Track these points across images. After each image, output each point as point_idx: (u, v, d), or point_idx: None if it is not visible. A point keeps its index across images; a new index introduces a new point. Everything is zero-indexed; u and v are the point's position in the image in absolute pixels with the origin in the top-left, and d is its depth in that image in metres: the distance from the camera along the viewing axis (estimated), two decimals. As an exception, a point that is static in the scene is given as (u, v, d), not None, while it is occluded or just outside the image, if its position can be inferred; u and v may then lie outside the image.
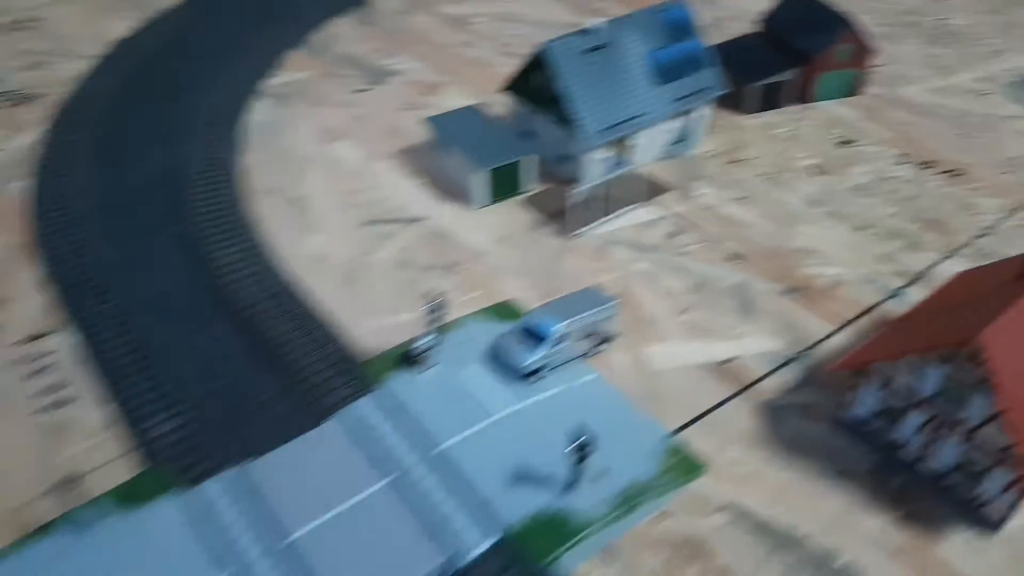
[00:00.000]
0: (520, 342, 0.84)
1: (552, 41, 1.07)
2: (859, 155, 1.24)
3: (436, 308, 0.81)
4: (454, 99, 1.37)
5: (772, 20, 1.41)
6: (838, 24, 1.31)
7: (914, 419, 0.75)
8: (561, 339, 0.84)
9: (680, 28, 1.19)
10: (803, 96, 1.36)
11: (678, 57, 1.20)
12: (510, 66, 1.48)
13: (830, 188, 1.17)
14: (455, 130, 1.15)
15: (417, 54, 1.50)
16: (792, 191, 1.16)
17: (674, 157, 1.22)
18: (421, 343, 0.82)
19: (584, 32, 1.10)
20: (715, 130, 1.28)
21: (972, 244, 1.07)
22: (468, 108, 1.20)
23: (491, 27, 1.61)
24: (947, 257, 1.04)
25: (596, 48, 1.12)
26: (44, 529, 0.71)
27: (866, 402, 0.78)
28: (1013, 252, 1.09)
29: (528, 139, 1.17)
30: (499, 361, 0.85)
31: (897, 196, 1.16)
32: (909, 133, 1.30)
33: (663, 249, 1.04)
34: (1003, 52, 1.53)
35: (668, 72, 1.18)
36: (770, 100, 1.34)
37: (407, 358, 0.84)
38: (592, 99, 1.10)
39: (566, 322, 0.83)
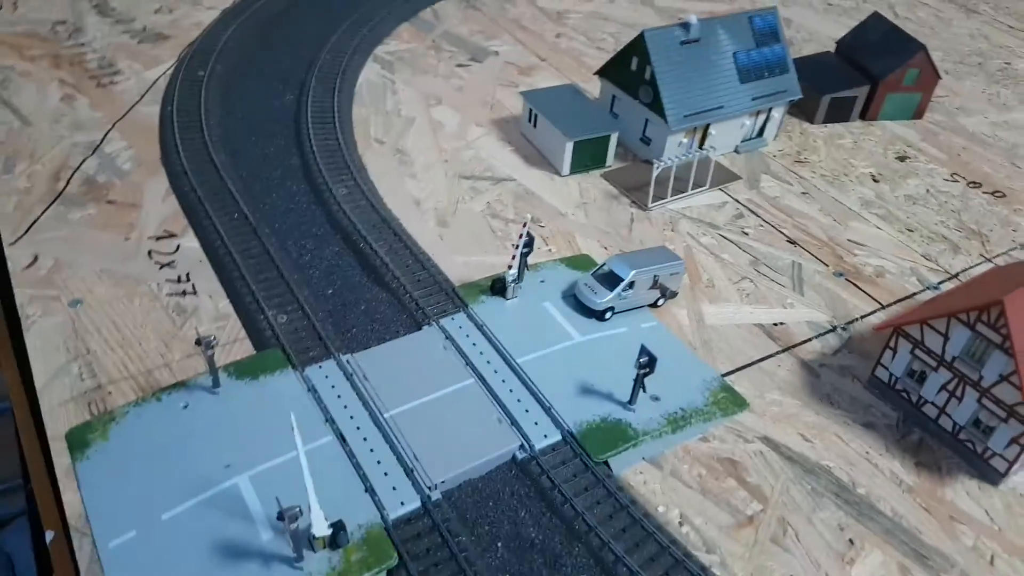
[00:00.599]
0: (595, 284, 0.96)
1: (651, 30, 1.20)
2: (913, 170, 1.34)
3: (526, 245, 0.92)
4: (547, 81, 1.49)
5: (846, 42, 1.51)
6: (911, 47, 1.42)
7: (938, 378, 0.85)
8: (631, 284, 0.96)
9: (767, 34, 1.30)
10: (869, 113, 1.46)
11: (761, 60, 1.31)
12: (599, 58, 1.58)
13: (884, 194, 1.27)
14: (547, 104, 1.27)
15: (515, 39, 1.63)
16: (849, 192, 1.26)
17: (747, 151, 1.33)
18: (510, 274, 0.94)
19: (682, 25, 1.22)
20: (785, 133, 1.39)
21: (1009, 253, 1.16)
22: (561, 86, 1.33)
23: (584, 23, 1.73)
24: (984, 261, 1.13)
25: (689, 41, 1.24)
26: (176, 386, 0.84)
27: (899, 362, 0.88)
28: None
29: (617, 117, 1.29)
30: (575, 300, 0.97)
31: (944, 208, 1.25)
32: (962, 157, 1.39)
33: (727, 228, 1.15)
34: (1061, 96, 1.62)
35: (750, 72, 1.29)
36: (838, 113, 1.44)
37: (496, 286, 0.96)
38: (679, 87, 1.22)
39: (637, 270, 0.95)
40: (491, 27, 1.66)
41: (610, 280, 0.95)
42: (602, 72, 1.30)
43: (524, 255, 0.94)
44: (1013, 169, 1.37)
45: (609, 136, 1.22)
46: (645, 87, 1.22)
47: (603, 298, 0.93)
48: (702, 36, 1.23)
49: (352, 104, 1.36)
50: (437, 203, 1.14)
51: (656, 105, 1.21)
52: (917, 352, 0.86)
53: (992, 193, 1.30)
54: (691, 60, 1.22)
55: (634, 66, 1.23)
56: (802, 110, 1.44)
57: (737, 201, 1.22)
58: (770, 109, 1.31)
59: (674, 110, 1.20)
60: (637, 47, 1.21)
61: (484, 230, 1.10)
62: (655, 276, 0.96)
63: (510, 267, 0.94)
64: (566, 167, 1.22)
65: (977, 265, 1.13)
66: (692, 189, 1.21)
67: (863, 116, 1.46)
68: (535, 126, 1.27)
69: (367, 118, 1.33)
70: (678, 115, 1.20)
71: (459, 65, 1.50)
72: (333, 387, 0.87)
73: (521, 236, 0.92)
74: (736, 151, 1.33)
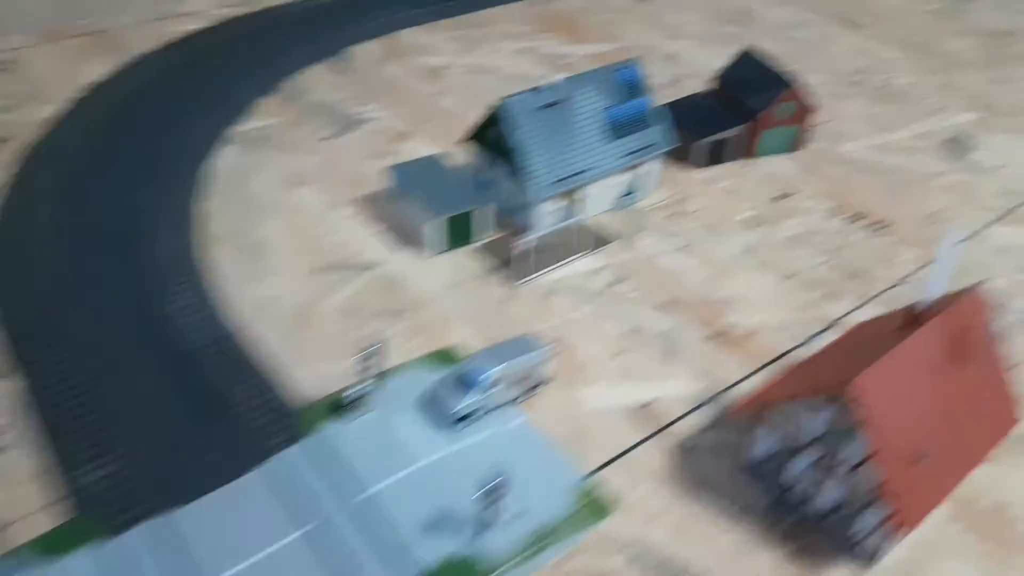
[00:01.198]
0: (452, 388, 0.91)
1: (508, 97, 1.15)
2: (794, 208, 1.32)
3: (371, 355, 0.86)
4: (421, 148, 1.44)
5: (724, 78, 1.49)
6: (780, 83, 1.40)
7: (802, 460, 0.81)
8: (492, 385, 0.91)
9: (632, 87, 1.27)
10: (748, 151, 1.44)
11: (629, 114, 1.27)
12: (476, 115, 1.56)
13: (764, 239, 1.24)
14: (414, 179, 1.22)
15: (388, 103, 1.57)
16: (728, 242, 1.23)
17: (623, 208, 1.30)
18: (354, 391, 0.88)
19: (540, 89, 1.18)
20: (664, 183, 1.36)
21: (887, 292, 1.14)
22: (429, 158, 1.27)
23: (464, 78, 1.68)
24: (862, 305, 1.11)
25: (551, 104, 1.20)
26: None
27: (763, 444, 0.84)
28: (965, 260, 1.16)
29: (486, 188, 1.24)
30: (432, 407, 0.92)
31: (824, 247, 1.23)
32: (843, 187, 1.38)
33: (604, 297, 1.11)
34: (939, 111, 1.62)
35: (619, 128, 1.26)
36: (716, 155, 1.42)
37: (340, 405, 0.90)
38: (545, 153, 1.18)
39: (497, 368, 0.90)
40: (363, 91, 1.60)
41: (466, 383, 0.90)
42: (470, 139, 1.26)
43: (370, 371, 0.88)
44: (892, 196, 1.36)
45: (478, 211, 1.18)
46: (510, 155, 1.18)
47: (459, 404, 0.88)
48: (564, 97, 1.20)
49: (201, 196, 1.29)
50: (292, 304, 1.08)
51: (521, 174, 1.16)
52: (778, 434, 0.83)
53: (873, 225, 1.29)
54: (554, 123, 1.18)
55: (497, 134, 1.18)
56: (682, 155, 1.41)
57: (614, 265, 1.18)
58: (644, 162, 1.28)
59: (540, 178, 1.16)
60: (497, 116, 1.17)
61: (341, 331, 1.04)
62: (519, 371, 0.92)
63: (358, 383, 0.88)
64: (434, 247, 1.17)
65: (855, 310, 1.11)
66: (568, 257, 1.18)
67: (743, 154, 1.44)
68: (401, 203, 1.22)
69: (219, 210, 1.25)
70: (544, 183, 1.16)
71: (325, 138, 1.44)
72: (145, 559, 0.76)
73: (367, 356, 0.86)
74: (614, 209, 1.30)
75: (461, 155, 1.35)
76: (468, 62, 1.74)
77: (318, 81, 1.62)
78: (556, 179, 1.17)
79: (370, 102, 1.56)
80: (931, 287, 0.79)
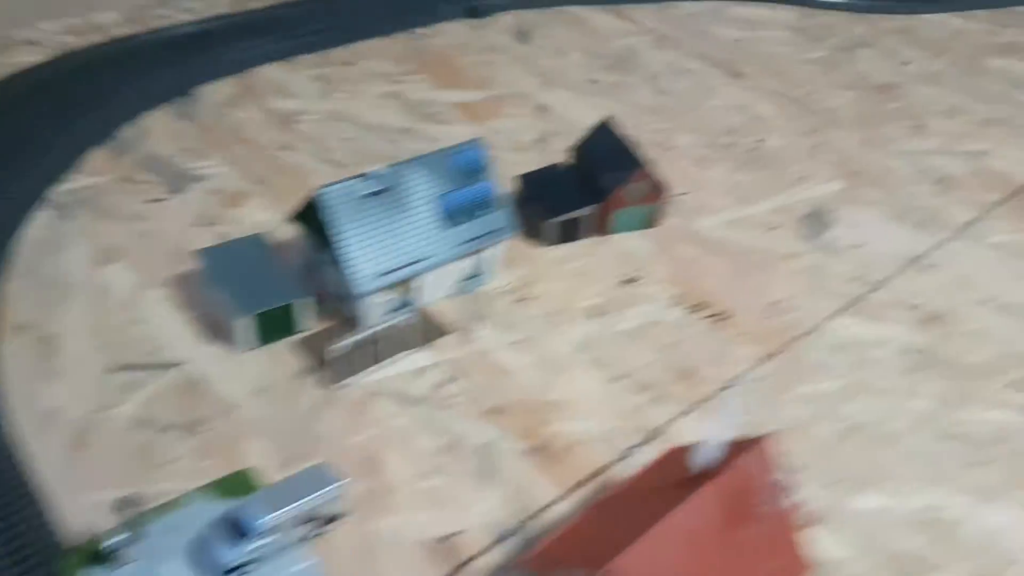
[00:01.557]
0: (224, 535, 0.84)
1: (327, 187, 1.08)
2: (638, 296, 1.28)
3: (129, 504, 0.79)
4: (256, 213, 1.35)
5: (580, 151, 1.45)
6: (632, 164, 1.36)
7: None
8: (272, 530, 0.85)
9: (472, 170, 1.21)
10: (602, 228, 1.40)
11: (468, 200, 1.21)
12: (329, 175, 1.44)
13: (602, 331, 1.20)
14: (228, 264, 1.12)
15: (230, 156, 1.47)
16: (566, 335, 1.19)
17: (466, 293, 1.24)
18: (113, 540, 0.81)
19: (365, 176, 1.11)
20: (514, 262, 1.31)
21: (716, 396, 1.12)
22: (249, 238, 1.18)
23: (318, 127, 1.59)
24: (687, 412, 1.08)
25: (378, 192, 1.13)
26: None
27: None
28: (753, 406, 1.15)
29: (311, 273, 1.17)
30: (202, 556, 0.85)
31: (660, 342, 1.20)
32: (691, 271, 1.35)
33: (428, 402, 1.06)
34: (805, 179, 1.61)
35: (456, 214, 1.20)
36: (569, 233, 1.38)
37: (98, 555, 0.83)
38: (370, 244, 1.11)
39: (277, 513, 0.84)
40: (204, 141, 1.49)
41: (240, 530, 0.83)
42: (295, 220, 1.18)
43: (138, 509, 0.81)
44: (739, 282, 1.33)
45: (296, 303, 1.10)
46: (332, 246, 1.10)
47: (229, 557, 0.82)
48: (393, 184, 1.13)
49: (6, 277, 1.18)
50: (79, 412, 0.99)
51: (344, 266, 1.09)
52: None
53: (714, 316, 1.26)
54: (381, 212, 1.11)
55: (318, 224, 1.11)
56: (534, 233, 1.36)
57: (446, 363, 1.12)
58: (486, 247, 1.23)
59: (363, 271, 1.09)
60: (315, 208, 1.09)
61: (132, 448, 0.96)
62: (303, 512, 0.86)
63: (118, 528, 0.80)
64: (246, 343, 1.09)
65: (679, 417, 1.08)
66: (396, 353, 1.11)
67: (597, 232, 1.40)
68: (212, 292, 1.13)
69: (21, 293, 1.15)
70: (368, 276, 1.10)
71: (152, 200, 1.34)
72: None
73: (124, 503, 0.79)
74: (457, 294, 1.24)
75: (288, 232, 1.27)
76: (325, 108, 1.65)
77: (158, 128, 1.51)
78: (382, 272, 1.11)
79: (210, 155, 1.46)
80: (704, 452, 0.76)
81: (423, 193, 1.15)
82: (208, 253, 1.14)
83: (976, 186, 1.63)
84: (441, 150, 1.19)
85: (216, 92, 1.64)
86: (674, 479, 0.82)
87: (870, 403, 1.15)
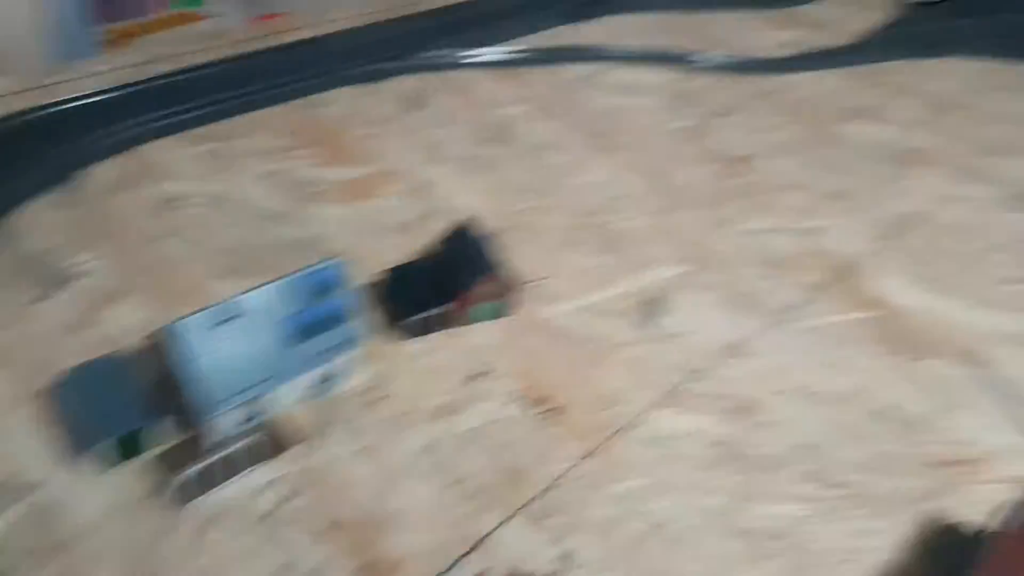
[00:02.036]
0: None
1: (177, 323, 1.19)
2: (482, 392, 1.41)
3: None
4: (131, 314, 1.43)
5: (443, 246, 1.58)
6: (486, 265, 1.50)
7: None
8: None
9: (327, 288, 1.33)
10: (458, 322, 1.53)
11: (319, 316, 1.33)
12: (203, 269, 1.57)
13: (446, 433, 1.33)
14: (83, 388, 1.20)
15: (108, 250, 1.54)
16: (410, 440, 1.32)
17: (319, 398, 1.37)
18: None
19: (215, 307, 1.22)
20: (370, 359, 1.43)
21: (537, 500, 1.27)
22: (106, 358, 1.29)
23: (199, 212, 1.67)
24: (506, 521, 1.23)
25: (228, 320, 1.25)
26: None
27: None
28: (566, 508, 1.30)
29: (167, 390, 1.29)
30: None
31: (495, 442, 1.34)
32: (536, 364, 1.49)
33: (268, 522, 1.16)
34: (651, 263, 1.75)
35: (307, 331, 1.32)
36: (426, 328, 1.51)
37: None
38: (219, 368, 1.22)
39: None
40: (84, 232, 1.58)
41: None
42: (153, 340, 1.28)
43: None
44: (577, 374, 1.48)
45: (149, 426, 1.22)
46: (185, 371, 1.22)
47: None
48: (243, 311, 1.24)
49: None
50: (-59, 538, 1.10)
51: (195, 389, 1.21)
52: None
53: (548, 411, 1.41)
54: (230, 338, 1.23)
55: (171, 351, 1.22)
56: (393, 328, 1.49)
57: (291, 476, 1.25)
58: (336, 358, 1.35)
59: (212, 394, 1.21)
60: (167, 338, 1.20)
61: (-9, 571, 1.07)
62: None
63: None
64: (101, 464, 1.20)
65: (498, 528, 1.22)
66: (244, 469, 1.24)
67: (454, 324, 1.54)
68: (69, 414, 1.24)
69: None
70: (217, 398, 1.21)
71: (29, 303, 1.43)
72: None
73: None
74: (308, 402, 1.37)
75: (144, 350, 1.36)
76: (209, 189, 1.74)
77: (40, 220, 1.59)
78: (233, 392, 1.23)
79: (89, 248, 1.54)
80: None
81: (273, 315, 1.27)
82: (68, 377, 1.24)
83: (805, 268, 1.81)
84: (297, 272, 1.31)
85: (99, 176, 1.72)
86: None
87: (673, 500, 1.31)
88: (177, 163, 1.79)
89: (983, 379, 1.61)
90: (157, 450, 1.24)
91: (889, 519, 1.33)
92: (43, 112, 1.84)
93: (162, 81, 2.01)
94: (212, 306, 1.22)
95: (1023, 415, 1.55)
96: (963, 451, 1.46)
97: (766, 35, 2.68)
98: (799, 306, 1.71)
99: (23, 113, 1.83)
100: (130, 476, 1.21)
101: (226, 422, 1.24)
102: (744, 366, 1.56)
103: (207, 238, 1.62)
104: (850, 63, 2.58)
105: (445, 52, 2.25)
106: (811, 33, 2.74)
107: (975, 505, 1.35)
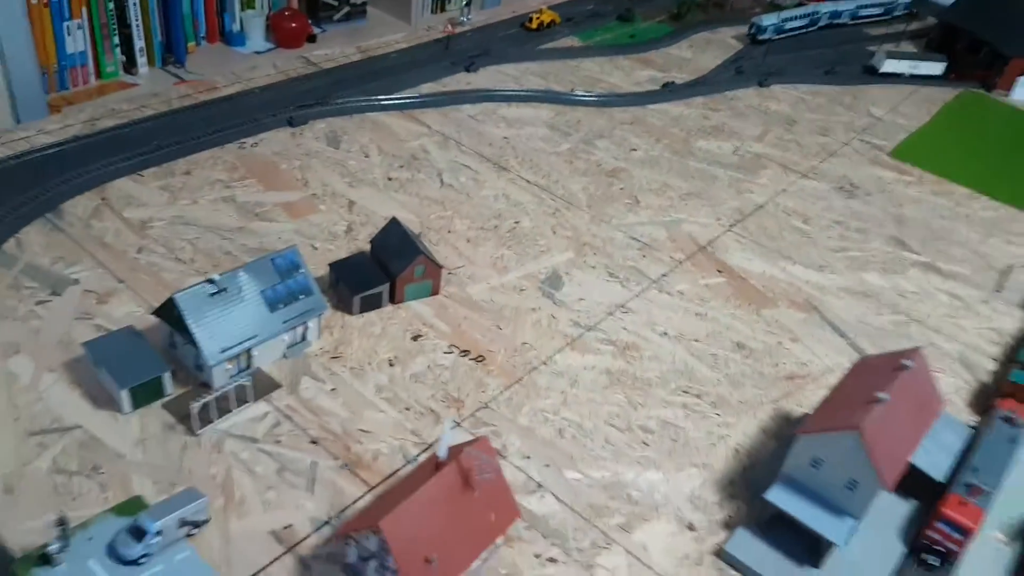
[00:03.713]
0: (127, 539, 1.24)
1: (180, 293, 1.51)
2: (422, 348, 1.78)
3: (62, 522, 1.19)
4: (125, 307, 1.72)
5: (374, 243, 1.94)
6: (414, 250, 1.87)
7: (370, 566, 1.25)
8: (158, 533, 1.26)
9: (290, 268, 1.66)
10: (396, 299, 1.89)
11: (287, 290, 1.66)
12: (177, 271, 1.85)
13: (395, 377, 1.69)
14: (107, 351, 1.52)
15: (96, 261, 1.84)
16: (368, 382, 1.66)
17: (291, 357, 1.69)
18: (52, 547, 1.20)
19: (209, 281, 1.54)
20: (328, 331, 1.77)
21: (475, 415, 1.63)
22: (124, 329, 1.59)
23: (166, 231, 1.97)
24: (456, 426, 1.59)
25: (217, 292, 1.57)
26: None
27: (351, 554, 1.27)
28: (497, 419, 1.66)
29: (172, 351, 1.59)
30: (115, 554, 1.25)
31: (437, 380, 1.70)
32: (462, 327, 1.86)
33: (265, 439, 1.49)
34: (546, 252, 2.17)
35: (278, 302, 1.64)
36: (371, 304, 1.86)
37: (43, 558, 1.21)
38: (213, 329, 1.54)
39: (159, 521, 1.25)
40: (74, 250, 1.87)
41: (139, 534, 1.24)
42: (157, 313, 1.59)
43: (66, 528, 1.20)
44: (495, 332, 1.86)
45: (162, 376, 1.52)
46: (187, 332, 1.53)
47: (135, 551, 1.23)
48: (229, 285, 1.57)
49: (-74, 370, 1.52)
50: (4, 470, 1.37)
51: (196, 347, 1.52)
52: (357, 548, 1.26)
53: (476, 359, 1.78)
54: (221, 305, 1.55)
55: (176, 316, 1.53)
56: (344, 307, 1.83)
57: (277, 410, 1.57)
58: (306, 323, 1.69)
59: (210, 348, 1.52)
60: (172, 306, 1.52)
61: (50, 490, 1.34)
62: (180, 519, 1.28)
63: (54, 540, 1.20)
64: (127, 407, 1.50)
65: (451, 430, 1.57)
66: (239, 407, 1.55)
67: (392, 301, 1.89)
68: (97, 372, 1.53)
69: (-59, 383, 1.50)
70: (214, 351, 1.53)
71: (39, 303, 1.71)
72: None
73: (60, 521, 1.18)
74: (284, 357, 1.69)
75: (150, 320, 1.67)
76: (171, 214, 2.05)
77: (33, 243, 1.87)
78: (225, 348, 1.54)
79: (80, 261, 1.83)
80: (441, 450, 1.26)
81: (252, 289, 1.60)
82: (92, 343, 1.54)
83: (671, 248, 2.26)
84: (265, 256, 1.65)
85: (78, 206, 2.01)
86: (429, 470, 1.31)
87: (578, 410, 1.70)
88: (140, 195, 2.10)
89: (815, 321, 2.08)
90: (171, 396, 1.54)
91: (740, 417, 1.75)
92: (22, 158, 2.12)
93: (115, 132, 2.31)
94: (203, 282, 1.55)
95: (843, 343, 2.02)
96: (796, 370, 1.91)
97: (631, 74, 3.20)
98: (667, 275, 2.15)
99: (6, 160, 2.11)
100: (152, 415, 1.51)
101: (223, 372, 1.55)
102: (627, 319, 1.97)
103: (178, 248, 1.93)
104: (701, 93, 3.12)
105: (354, 100, 2.65)
106: (668, 71, 3.28)
107: (804, 407, 1.79)
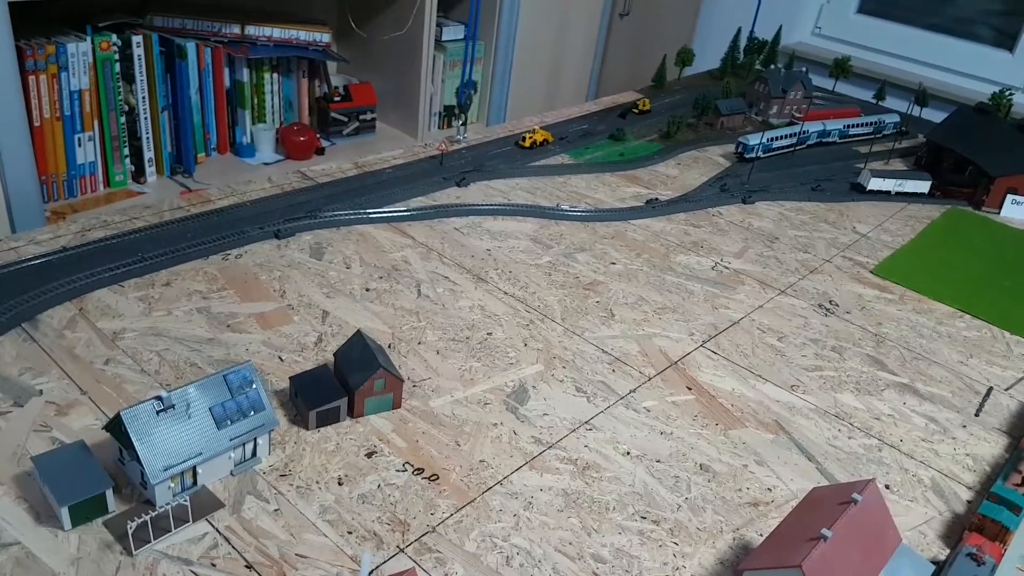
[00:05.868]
0: None
1: (127, 410, 1.53)
2: (376, 465, 1.77)
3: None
4: (83, 419, 1.74)
5: (338, 355, 1.96)
6: (374, 364, 1.88)
7: None
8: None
9: (243, 384, 1.69)
10: (355, 412, 1.90)
11: (237, 406, 1.68)
12: (142, 383, 1.89)
13: (342, 498, 1.67)
14: (54, 466, 1.54)
15: (63, 372, 1.88)
16: (313, 502, 1.65)
17: (239, 473, 1.69)
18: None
19: (158, 398, 1.56)
20: (281, 445, 1.77)
21: (420, 540, 1.60)
22: (74, 444, 1.60)
23: (137, 342, 2.02)
24: (396, 555, 1.56)
25: (164, 409, 1.59)
26: None
27: None
28: (444, 544, 1.63)
29: (121, 466, 1.60)
30: None
31: (386, 501, 1.68)
32: (419, 443, 1.85)
33: (201, 562, 1.48)
34: (515, 364, 2.17)
35: (227, 419, 1.66)
36: (328, 419, 1.87)
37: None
38: (158, 447, 1.55)
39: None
40: (43, 360, 1.91)
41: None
42: (107, 428, 1.61)
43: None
44: (453, 449, 1.85)
45: (104, 492, 1.52)
46: (132, 449, 1.54)
47: None
48: (177, 402, 1.59)
49: None
50: (-67, 588, 1.36)
51: (141, 463, 1.53)
52: None
53: (429, 478, 1.76)
54: (168, 422, 1.57)
55: (122, 432, 1.54)
56: (301, 421, 1.84)
57: (217, 531, 1.56)
58: (253, 440, 1.69)
59: (153, 465, 1.53)
60: (119, 422, 1.53)
61: (-28, 610, 1.33)
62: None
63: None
64: (67, 524, 1.49)
65: (389, 559, 1.55)
66: (180, 525, 1.54)
67: (352, 415, 1.90)
68: (42, 487, 1.54)
69: None
70: (157, 469, 1.53)
71: (0, 414, 1.74)
72: None
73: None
74: (232, 474, 1.69)
75: (103, 435, 1.68)
76: (144, 325, 2.09)
77: (7, 351, 1.91)
78: (168, 465, 1.55)
79: (48, 372, 1.87)
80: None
81: (201, 406, 1.62)
82: (40, 458, 1.55)
83: (641, 363, 2.26)
84: (218, 371, 1.67)
85: (55, 317, 2.06)
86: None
87: (529, 535, 1.66)
88: (118, 306, 2.15)
89: (783, 443, 2.04)
90: (112, 513, 1.54)
91: (698, 547, 1.70)
92: (6, 269, 2.20)
93: (102, 243, 2.39)
94: (153, 399, 1.57)
95: (811, 467, 1.97)
96: (760, 496, 1.86)
97: (617, 190, 3.27)
98: (635, 391, 2.14)
99: (-13, 270, 2.19)
100: (91, 532, 1.50)
101: (166, 490, 1.55)
102: (590, 436, 1.95)
103: (145, 360, 1.96)
104: (684, 209, 3.18)
105: (343, 213, 2.72)
106: (654, 187, 3.35)
107: (765, 535, 1.74)
